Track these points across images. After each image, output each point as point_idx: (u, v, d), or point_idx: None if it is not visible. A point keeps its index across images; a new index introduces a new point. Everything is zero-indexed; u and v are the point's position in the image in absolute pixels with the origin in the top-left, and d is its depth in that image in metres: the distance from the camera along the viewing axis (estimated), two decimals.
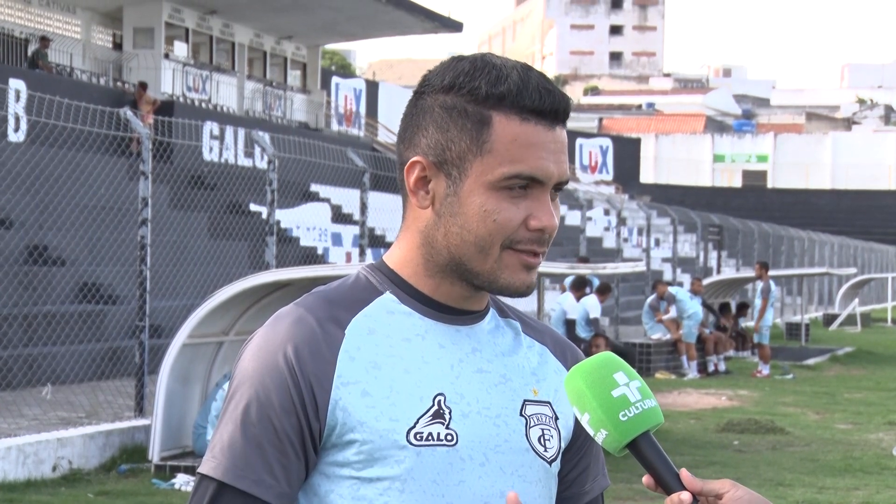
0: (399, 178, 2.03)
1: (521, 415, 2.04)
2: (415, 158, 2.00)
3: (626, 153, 60.34)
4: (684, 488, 1.87)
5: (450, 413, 1.97)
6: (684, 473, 1.89)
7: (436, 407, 1.97)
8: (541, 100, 1.95)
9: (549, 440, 2.05)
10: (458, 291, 2.02)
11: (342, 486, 1.96)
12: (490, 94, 1.95)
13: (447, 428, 1.96)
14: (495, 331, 2.09)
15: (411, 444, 1.94)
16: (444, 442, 1.96)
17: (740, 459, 13.06)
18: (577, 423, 2.10)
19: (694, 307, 22.59)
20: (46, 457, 11.20)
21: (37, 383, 15.37)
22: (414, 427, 1.95)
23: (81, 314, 17.22)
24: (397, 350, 1.99)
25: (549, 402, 2.08)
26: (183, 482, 10.98)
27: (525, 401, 2.05)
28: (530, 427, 2.04)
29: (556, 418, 2.08)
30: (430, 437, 1.95)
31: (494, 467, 1.99)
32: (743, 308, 26.69)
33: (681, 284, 27.68)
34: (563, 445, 2.09)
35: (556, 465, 2.08)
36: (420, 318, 2.02)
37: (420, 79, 2.04)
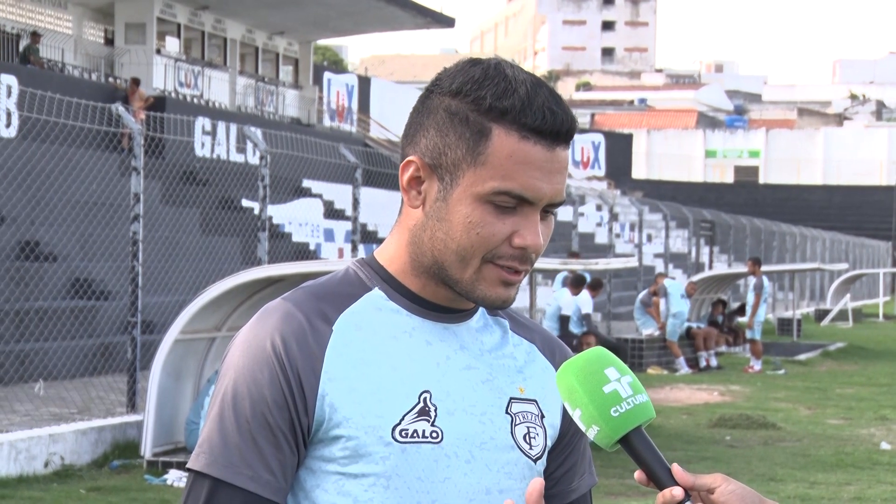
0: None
1: (506, 412, 2.04)
2: (410, 157, 1.99)
3: (618, 149, 60.42)
4: (676, 483, 1.88)
5: (435, 410, 1.97)
6: (676, 468, 1.89)
7: (421, 404, 1.97)
8: (543, 119, 1.93)
9: (534, 438, 2.06)
10: (444, 293, 2.02)
11: (327, 481, 1.97)
12: (493, 107, 1.94)
13: (432, 425, 1.97)
14: (483, 329, 2.08)
15: (396, 440, 1.94)
16: (430, 439, 1.96)
17: (732, 455, 13.07)
18: (564, 420, 2.11)
19: (680, 306, 22.52)
20: (38, 453, 11.19)
21: (29, 379, 15.35)
22: (399, 424, 1.95)
23: (73, 310, 17.20)
24: (384, 347, 1.99)
25: (535, 401, 2.08)
26: (175, 478, 10.97)
27: (511, 398, 2.05)
28: (516, 425, 2.04)
29: (543, 416, 2.08)
30: (415, 434, 1.95)
31: (480, 464, 1.99)
32: (732, 310, 26.46)
33: (673, 279, 27.64)
34: (549, 444, 2.09)
35: (542, 463, 2.08)
36: (408, 315, 2.02)
37: (434, 76, 2.03)
